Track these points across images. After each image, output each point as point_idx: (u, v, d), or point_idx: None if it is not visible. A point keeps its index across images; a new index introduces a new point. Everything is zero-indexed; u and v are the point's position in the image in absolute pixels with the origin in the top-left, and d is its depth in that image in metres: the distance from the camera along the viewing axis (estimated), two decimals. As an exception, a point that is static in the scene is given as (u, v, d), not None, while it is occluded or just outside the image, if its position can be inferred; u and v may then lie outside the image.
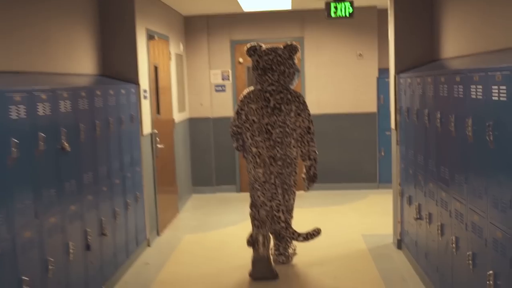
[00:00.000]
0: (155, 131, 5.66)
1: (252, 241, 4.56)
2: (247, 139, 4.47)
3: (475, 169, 2.93)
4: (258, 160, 4.41)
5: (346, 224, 5.98)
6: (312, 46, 7.50)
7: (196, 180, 7.69)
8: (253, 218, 4.57)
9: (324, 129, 7.48)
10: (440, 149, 3.60)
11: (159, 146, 5.74)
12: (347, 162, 7.57)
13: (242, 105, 4.50)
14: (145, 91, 5.37)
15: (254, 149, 4.43)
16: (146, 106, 5.40)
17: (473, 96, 2.90)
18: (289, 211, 4.69)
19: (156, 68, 5.82)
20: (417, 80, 4.16)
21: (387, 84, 7.34)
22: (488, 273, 2.68)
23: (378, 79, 7.44)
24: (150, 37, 5.54)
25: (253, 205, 4.59)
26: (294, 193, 4.79)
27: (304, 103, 4.46)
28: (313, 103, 7.53)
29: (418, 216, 4.24)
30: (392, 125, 5.10)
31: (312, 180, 4.53)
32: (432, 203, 3.84)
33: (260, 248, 4.50)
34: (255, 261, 4.49)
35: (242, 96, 4.55)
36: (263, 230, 4.52)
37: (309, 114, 4.46)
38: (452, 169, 3.34)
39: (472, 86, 2.91)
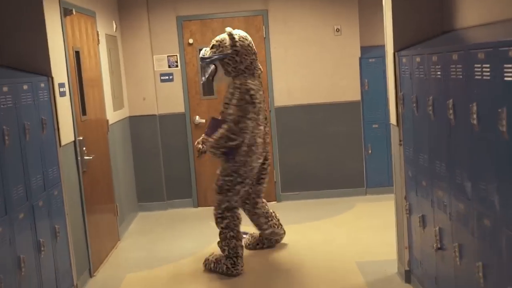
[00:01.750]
0: (80, 138, 4.62)
1: (230, 256, 4.52)
2: (252, 130, 4.58)
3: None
4: (258, 151, 4.67)
5: (333, 246, 5.08)
6: (278, 21, 6.56)
7: (142, 195, 6.65)
8: (230, 227, 4.55)
9: (296, 124, 6.59)
10: (478, 158, 2.71)
11: (86, 157, 4.69)
12: (326, 164, 6.68)
13: (255, 93, 4.61)
14: (62, 85, 4.31)
15: (259, 140, 4.66)
16: (64, 106, 4.35)
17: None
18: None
19: (78, 54, 4.75)
20: (433, 59, 3.27)
21: (373, 65, 6.55)
22: None
23: (361, 59, 6.56)
24: (67, 11, 4.47)
25: (228, 210, 4.58)
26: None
27: None
28: (282, 92, 6.63)
29: (439, 246, 3.37)
30: (392, 119, 4.22)
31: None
32: (463, 231, 2.97)
33: (240, 264, 4.53)
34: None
35: (251, 84, 4.60)
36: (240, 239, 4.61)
37: None
38: (503, 189, 2.45)
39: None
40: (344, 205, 6.31)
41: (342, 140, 6.64)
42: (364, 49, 6.54)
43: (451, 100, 2.99)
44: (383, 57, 6.42)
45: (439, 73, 3.18)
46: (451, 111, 3.00)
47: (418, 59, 3.56)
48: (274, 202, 6.69)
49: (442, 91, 3.15)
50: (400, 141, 4.09)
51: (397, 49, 4.02)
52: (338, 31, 6.53)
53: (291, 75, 6.62)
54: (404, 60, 3.88)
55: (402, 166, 4.10)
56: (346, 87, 6.60)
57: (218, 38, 4.68)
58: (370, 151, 6.62)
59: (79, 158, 4.57)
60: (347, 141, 6.65)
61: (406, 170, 4.03)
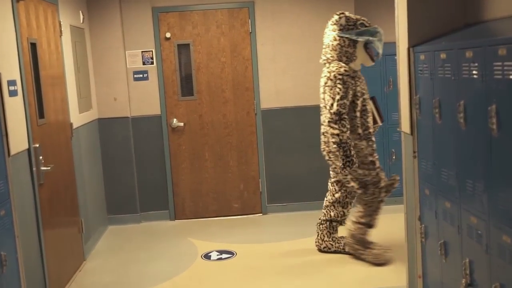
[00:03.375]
0: (36, 145, 3.94)
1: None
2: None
3: None
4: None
5: (332, 268, 4.47)
6: (266, 15, 5.94)
7: (113, 207, 5.97)
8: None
9: (285, 128, 6.00)
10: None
11: (44, 168, 4.01)
12: (318, 173, 6.05)
13: None
14: (12, 83, 3.63)
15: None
16: (16, 107, 3.67)
17: None
18: None
19: (34, 47, 4.07)
20: (467, 55, 2.67)
21: (374, 64, 5.95)
22: None
23: (357, 58, 5.96)
24: (19, -4, 3.79)
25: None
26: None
27: None
28: (270, 93, 6.02)
29: (469, 282, 2.79)
30: (404, 127, 3.63)
31: None
32: (508, 268, 2.38)
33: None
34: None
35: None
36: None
37: None
38: None
39: None
40: (338, 219, 5.70)
41: (335, 146, 6.03)
42: (360, 46, 5.94)
43: (493, 106, 2.40)
44: (382, 55, 5.91)
45: (474, 72, 2.58)
46: (493, 120, 2.40)
47: (443, 55, 2.96)
48: (259, 214, 6.08)
49: (479, 94, 2.55)
50: (414, 152, 3.49)
51: (412, 44, 3.43)
52: (332, 26, 5.92)
53: (280, 74, 6.00)
54: (422, 57, 3.28)
55: (416, 181, 3.50)
56: (340, 88, 5.99)
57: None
58: (366, 159, 6.02)
59: (34, 169, 3.89)
60: (340, 148, 6.04)
61: (421, 186, 3.44)
